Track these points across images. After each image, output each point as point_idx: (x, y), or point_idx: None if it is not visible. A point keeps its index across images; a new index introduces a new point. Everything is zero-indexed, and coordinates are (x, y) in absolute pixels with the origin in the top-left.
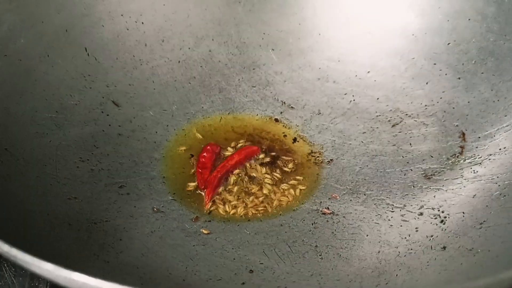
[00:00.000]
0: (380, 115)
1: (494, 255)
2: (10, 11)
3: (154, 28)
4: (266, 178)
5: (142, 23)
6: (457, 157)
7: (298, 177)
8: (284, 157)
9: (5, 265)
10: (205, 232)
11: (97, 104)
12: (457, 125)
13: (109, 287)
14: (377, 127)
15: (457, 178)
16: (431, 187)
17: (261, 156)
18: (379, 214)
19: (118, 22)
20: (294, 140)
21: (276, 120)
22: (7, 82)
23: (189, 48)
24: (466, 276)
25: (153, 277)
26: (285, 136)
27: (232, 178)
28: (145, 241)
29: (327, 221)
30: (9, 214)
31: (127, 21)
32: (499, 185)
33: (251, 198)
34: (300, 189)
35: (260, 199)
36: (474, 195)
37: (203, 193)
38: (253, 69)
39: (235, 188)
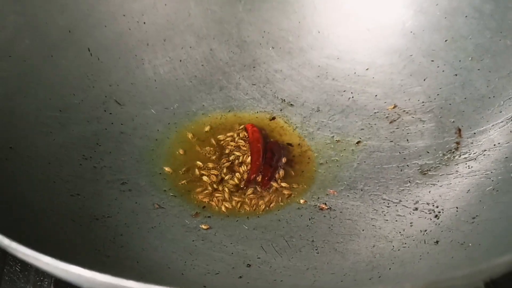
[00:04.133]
0: (378, 112)
1: (485, 248)
2: (15, 12)
3: (156, 28)
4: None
5: (144, 23)
6: (453, 152)
7: (296, 173)
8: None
9: (11, 260)
10: (204, 227)
11: (100, 103)
12: (453, 121)
13: (103, 279)
14: (375, 124)
15: (452, 174)
16: (427, 183)
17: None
18: (375, 209)
19: (121, 22)
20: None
21: (273, 118)
22: (12, 82)
23: (190, 47)
24: (456, 269)
25: (153, 270)
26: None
27: (235, 177)
28: (146, 236)
29: (324, 216)
30: (13, 210)
31: (129, 21)
32: (492, 180)
33: (249, 195)
34: (297, 186)
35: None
36: (468, 190)
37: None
38: (254, 67)
39: (233, 184)
